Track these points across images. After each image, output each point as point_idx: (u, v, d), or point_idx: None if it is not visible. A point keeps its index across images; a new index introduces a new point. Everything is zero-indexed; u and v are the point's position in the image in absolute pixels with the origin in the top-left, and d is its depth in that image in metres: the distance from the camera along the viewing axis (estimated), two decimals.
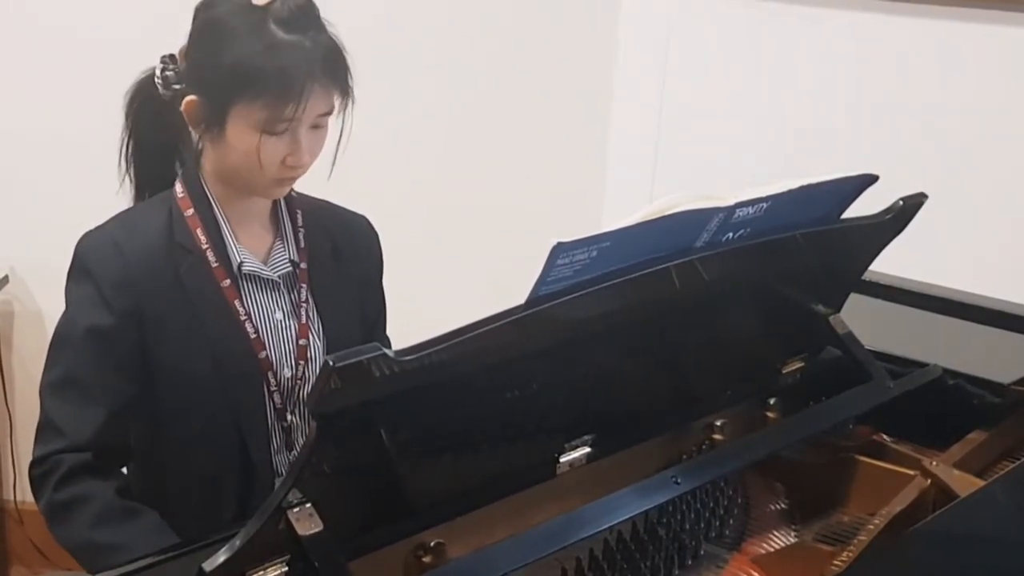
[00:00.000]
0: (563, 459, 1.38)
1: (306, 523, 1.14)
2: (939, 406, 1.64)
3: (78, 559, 1.50)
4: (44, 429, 1.55)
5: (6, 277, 2.74)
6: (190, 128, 1.58)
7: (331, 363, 1.02)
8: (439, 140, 2.69)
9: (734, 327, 1.55)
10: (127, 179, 1.67)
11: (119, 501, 1.51)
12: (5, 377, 2.82)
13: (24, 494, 2.87)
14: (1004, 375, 1.69)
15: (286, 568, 1.15)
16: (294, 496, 1.13)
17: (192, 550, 1.25)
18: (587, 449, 1.40)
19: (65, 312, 1.57)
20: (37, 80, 2.63)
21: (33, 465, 1.54)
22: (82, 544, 1.49)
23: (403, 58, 2.59)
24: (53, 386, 1.55)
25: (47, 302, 2.78)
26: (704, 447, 1.56)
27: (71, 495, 1.50)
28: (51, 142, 2.65)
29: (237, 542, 1.11)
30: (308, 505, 1.14)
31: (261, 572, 1.14)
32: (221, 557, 1.10)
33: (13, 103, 2.64)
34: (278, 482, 1.56)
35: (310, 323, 1.64)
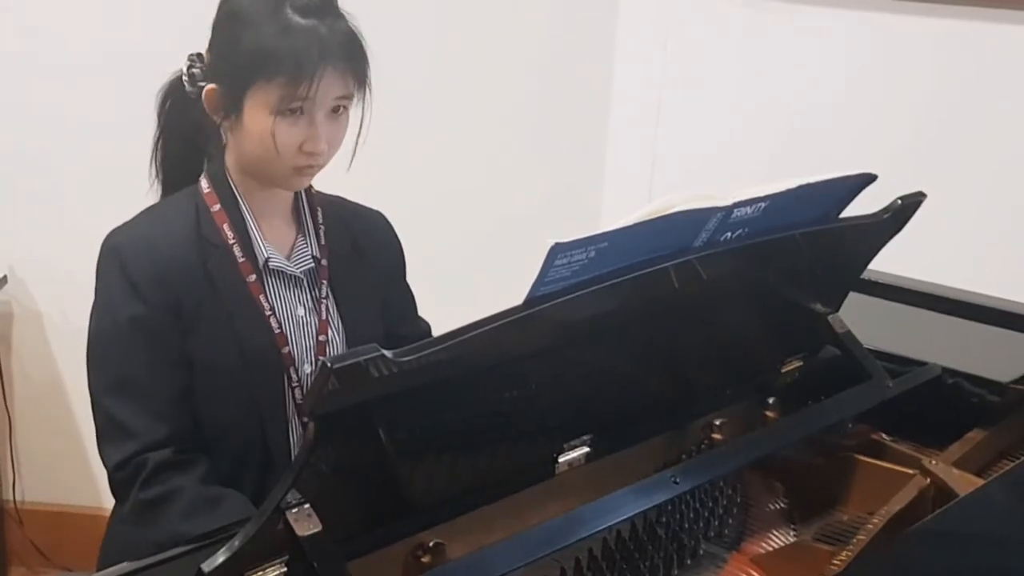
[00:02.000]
0: (562, 459, 1.38)
1: (305, 524, 1.14)
2: (938, 405, 1.64)
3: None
4: (112, 432, 1.54)
5: (5, 277, 2.73)
6: (212, 118, 1.58)
7: (329, 364, 1.02)
8: (436, 140, 2.68)
9: (733, 327, 1.55)
10: (156, 178, 1.67)
11: (204, 491, 1.51)
12: (4, 378, 2.81)
13: (24, 494, 2.87)
14: (1003, 374, 1.69)
15: (285, 569, 1.15)
16: (293, 497, 1.13)
17: (192, 551, 1.25)
18: (586, 449, 1.40)
19: (100, 309, 1.57)
20: (37, 81, 2.62)
21: (116, 469, 1.53)
22: (174, 538, 1.46)
23: (399, 57, 2.58)
24: (110, 388, 1.54)
25: (46, 303, 2.78)
26: (703, 446, 1.57)
27: (158, 493, 1.50)
28: (50, 143, 2.64)
29: (236, 542, 1.11)
30: (307, 506, 1.14)
31: (260, 573, 1.14)
32: (220, 558, 1.11)
33: (13, 104, 2.63)
34: None
35: (330, 319, 1.65)
